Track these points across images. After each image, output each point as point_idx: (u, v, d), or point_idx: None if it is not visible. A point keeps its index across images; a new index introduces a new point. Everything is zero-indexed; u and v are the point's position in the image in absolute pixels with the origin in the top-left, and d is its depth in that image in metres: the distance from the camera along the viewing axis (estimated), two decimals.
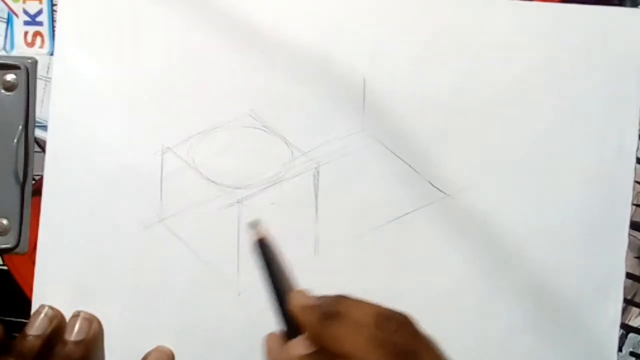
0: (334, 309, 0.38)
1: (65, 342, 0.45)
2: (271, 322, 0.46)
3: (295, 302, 0.40)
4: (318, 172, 0.47)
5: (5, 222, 0.48)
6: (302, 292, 0.41)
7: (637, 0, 0.47)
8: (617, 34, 0.47)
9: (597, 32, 0.47)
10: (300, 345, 0.39)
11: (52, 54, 0.49)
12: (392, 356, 0.36)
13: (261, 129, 0.47)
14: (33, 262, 0.47)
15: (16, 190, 0.48)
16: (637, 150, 0.47)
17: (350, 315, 0.38)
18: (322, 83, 0.47)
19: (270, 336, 0.41)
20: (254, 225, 0.42)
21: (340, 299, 0.39)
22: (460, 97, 0.47)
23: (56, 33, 0.48)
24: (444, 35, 0.47)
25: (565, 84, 0.47)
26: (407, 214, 0.47)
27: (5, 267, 0.48)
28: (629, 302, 0.47)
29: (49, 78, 0.48)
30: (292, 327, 0.40)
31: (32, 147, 0.48)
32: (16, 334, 0.45)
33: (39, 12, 0.49)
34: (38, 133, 0.48)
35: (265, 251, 0.41)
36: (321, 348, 0.38)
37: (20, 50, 0.49)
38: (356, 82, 0.47)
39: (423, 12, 0.47)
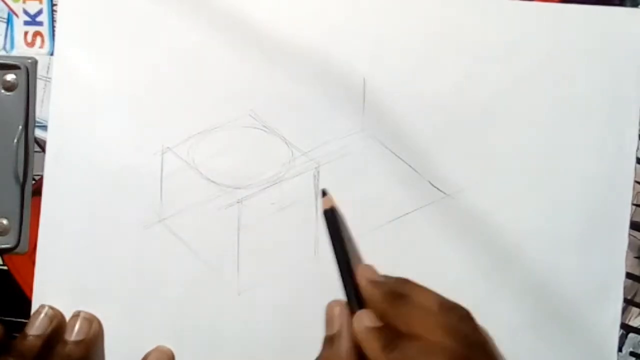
0: (400, 289, 0.40)
1: (65, 342, 0.45)
2: (270, 323, 0.46)
3: (362, 275, 0.42)
4: (318, 172, 0.47)
5: (5, 222, 0.48)
6: (369, 267, 0.43)
7: (637, 0, 0.47)
8: (618, 34, 0.47)
9: (597, 32, 0.47)
10: (368, 318, 0.40)
11: (52, 54, 0.49)
12: (459, 343, 0.38)
13: (261, 129, 0.47)
14: (33, 262, 0.47)
15: (16, 190, 0.48)
16: (637, 150, 0.47)
17: (415, 298, 0.40)
18: (323, 83, 0.47)
19: (335, 303, 0.42)
20: (324, 193, 0.44)
21: (405, 281, 0.41)
22: (460, 97, 0.47)
23: (56, 33, 0.48)
24: (444, 35, 0.47)
25: (565, 83, 0.47)
26: (407, 214, 0.47)
27: (5, 267, 0.48)
28: (629, 302, 0.47)
29: (49, 78, 0.48)
30: (357, 300, 0.41)
31: (32, 147, 0.48)
32: (16, 334, 0.45)
33: (39, 12, 0.49)
34: (38, 133, 0.48)
35: (333, 221, 0.43)
36: (387, 324, 0.39)
37: (20, 50, 0.49)
38: (356, 82, 0.47)
39: (423, 12, 0.47)
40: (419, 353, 0.37)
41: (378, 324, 0.39)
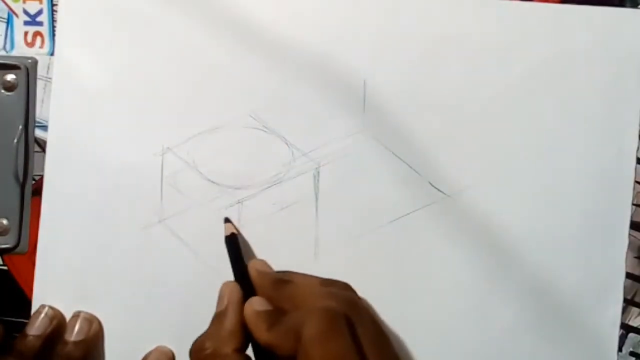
0: (285, 276, 0.43)
1: (65, 342, 0.45)
2: None
3: (253, 267, 0.44)
4: (318, 172, 0.47)
5: (5, 222, 0.48)
6: (261, 260, 0.46)
7: (637, 0, 0.47)
8: (618, 35, 0.47)
9: (597, 32, 0.47)
10: (258, 302, 0.41)
11: (52, 54, 0.49)
12: (340, 303, 0.39)
13: (261, 130, 0.47)
14: (33, 262, 0.47)
15: (16, 190, 0.48)
16: (637, 151, 0.47)
17: (298, 281, 0.42)
18: (323, 84, 0.47)
19: (227, 282, 0.44)
20: (227, 220, 0.47)
21: (289, 272, 0.44)
22: (460, 98, 0.47)
23: (56, 33, 0.48)
24: (444, 36, 0.47)
25: (565, 84, 0.47)
26: (407, 214, 0.47)
27: (5, 267, 0.48)
28: (629, 302, 0.47)
29: (49, 78, 0.48)
30: (248, 289, 0.43)
31: (32, 147, 0.48)
32: (16, 334, 0.45)
33: (39, 12, 0.49)
34: (38, 133, 0.48)
35: (235, 244, 0.45)
36: (275, 308, 0.41)
37: (20, 50, 0.49)
38: (357, 83, 0.47)
39: (424, 12, 0.47)
40: (299, 319, 0.38)
41: (266, 307, 0.41)
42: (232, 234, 0.46)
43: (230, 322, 0.41)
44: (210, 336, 0.41)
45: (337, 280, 0.43)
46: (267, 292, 0.42)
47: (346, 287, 0.43)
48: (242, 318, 0.41)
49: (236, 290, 0.43)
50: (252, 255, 0.47)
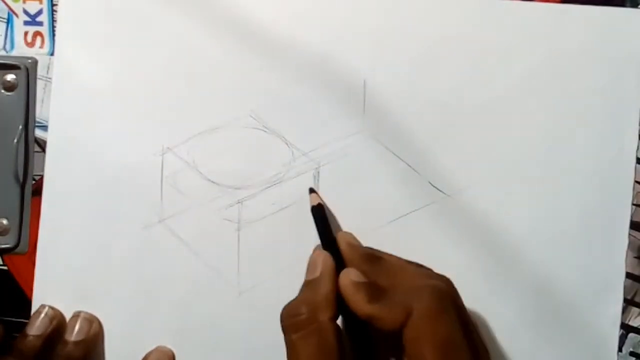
0: (375, 252, 0.43)
1: (65, 342, 0.45)
2: (272, 323, 0.46)
3: (345, 239, 0.44)
4: (318, 172, 0.47)
5: (5, 222, 0.48)
6: (349, 233, 0.45)
7: (637, 0, 0.47)
8: (618, 35, 0.47)
9: (597, 32, 0.47)
10: (354, 273, 0.41)
11: (52, 54, 0.49)
12: (440, 281, 0.40)
13: (262, 130, 0.47)
14: (33, 262, 0.47)
15: (16, 190, 0.48)
16: (637, 150, 0.47)
17: (389, 259, 0.43)
18: (323, 84, 0.47)
19: (320, 251, 0.43)
20: (312, 191, 0.47)
21: (375, 249, 0.44)
22: (460, 98, 0.47)
23: (56, 33, 0.48)
24: (444, 36, 0.47)
25: (565, 84, 0.47)
26: (407, 214, 0.47)
27: (5, 267, 0.48)
28: (629, 302, 0.47)
29: (49, 78, 0.48)
30: (337, 261, 0.42)
31: (32, 147, 0.48)
32: (16, 334, 0.45)
33: (39, 12, 0.49)
34: (38, 133, 0.48)
35: (321, 214, 0.45)
36: (370, 281, 0.40)
37: (20, 50, 0.49)
38: (357, 83, 0.47)
39: (424, 13, 0.47)
40: (404, 296, 0.38)
41: (363, 279, 0.40)
42: (319, 204, 0.45)
43: (325, 289, 0.40)
44: (305, 302, 0.40)
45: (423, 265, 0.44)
46: (358, 265, 0.42)
47: (432, 270, 0.43)
48: (336, 288, 0.40)
49: (329, 259, 0.42)
50: (337, 227, 0.46)
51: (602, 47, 0.47)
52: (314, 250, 0.44)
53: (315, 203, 0.46)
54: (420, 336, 0.37)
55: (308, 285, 0.41)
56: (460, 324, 0.38)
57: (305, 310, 0.39)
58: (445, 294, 0.39)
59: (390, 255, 0.44)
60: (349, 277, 0.40)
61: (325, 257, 0.42)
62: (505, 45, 0.47)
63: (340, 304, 0.40)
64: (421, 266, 0.44)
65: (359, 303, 0.39)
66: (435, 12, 0.47)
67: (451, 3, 0.47)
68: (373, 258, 0.42)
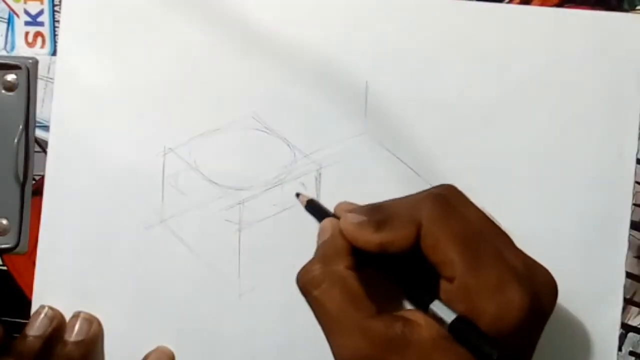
0: (375, 204, 0.40)
1: (65, 343, 0.45)
2: (272, 323, 0.46)
3: (339, 207, 0.43)
4: (320, 174, 0.47)
5: (5, 222, 0.48)
6: (344, 202, 0.43)
7: (635, 2, 0.48)
8: (617, 39, 0.47)
9: (597, 36, 0.48)
10: (352, 216, 0.39)
11: (52, 54, 0.49)
12: (443, 190, 0.39)
13: (263, 131, 0.48)
14: (33, 262, 0.47)
15: (16, 190, 0.48)
16: (637, 152, 0.47)
17: (390, 202, 0.40)
18: (325, 86, 0.48)
19: (328, 219, 0.41)
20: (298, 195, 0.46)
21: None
22: (461, 101, 0.48)
23: (59, 33, 0.48)
24: (445, 39, 0.48)
25: (565, 87, 0.48)
26: None
27: (5, 267, 0.48)
28: (628, 302, 0.47)
29: (49, 78, 0.48)
30: None
31: (32, 147, 0.48)
32: (16, 334, 0.45)
33: (40, 13, 0.49)
34: (39, 133, 0.48)
35: (316, 207, 0.44)
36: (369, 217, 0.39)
37: (21, 50, 0.49)
38: (359, 85, 0.48)
39: (425, 16, 0.48)
40: (408, 213, 0.37)
41: (362, 218, 0.39)
42: (310, 200, 0.45)
43: (337, 244, 0.39)
44: (317, 259, 0.39)
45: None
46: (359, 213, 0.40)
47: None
48: (348, 243, 0.39)
49: (337, 222, 0.40)
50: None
51: (601, 50, 0.47)
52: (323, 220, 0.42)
53: (305, 201, 0.45)
54: (438, 240, 0.36)
55: (319, 247, 0.40)
56: (473, 217, 0.38)
57: (320, 266, 0.38)
58: (446, 196, 0.38)
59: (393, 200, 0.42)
60: (348, 220, 0.39)
61: (333, 222, 0.40)
62: (506, 48, 0.48)
63: (356, 257, 0.39)
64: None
65: (367, 237, 0.38)
66: (436, 15, 0.48)
67: (452, 6, 0.48)
68: (372, 206, 0.40)
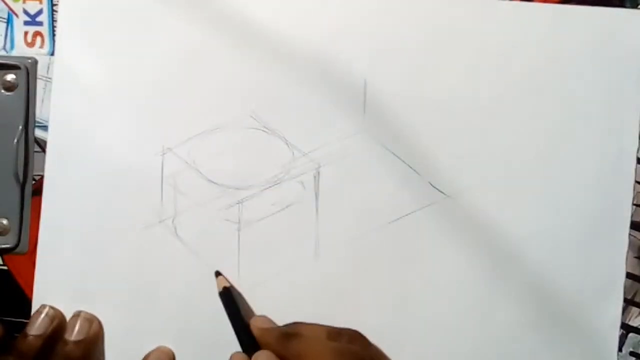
0: (290, 329, 0.43)
1: (65, 342, 0.45)
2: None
3: (255, 325, 0.44)
4: (319, 172, 0.47)
5: (5, 222, 0.48)
6: (262, 317, 0.45)
7: (637, 0, 0.47)
8: (618, 35, 0.47)
9: (597, 33, 0.47)
10: (264, 356, 0.42)
11: (52, 54, 0.49)
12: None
13: (262, 130, 0.47)
14: (33, 262, 0.47)
15: (16, 190, 0.48)
16: (637, 151, 0.47)
17: (304, 333, 0.43)
18: (323, 84, 0.47)
19: (237, 354, 0.44)
20: (218, 274, 0.46)
21: (294, 323, 0.44)
22: (460, 98, 0.47)
23: (57, 33, 0.48)
24: (444, 36, 0.47)
25: (565, 84, 0.47)
26: (407, 214, 0.47)
27: (5, 267, 0.48)
28: (629, 302, 0.47)
29: (49, 78, 0.48)
30: (253, 348, 0.43)
31: (32, 147, 0.48)
32: (16, 334, 0.45)
33: (39, 12, 0.49)
34: (38, 133, 0.48)
35: (229, 299, 0.45)
36: None
37: (20, 50, 0.49)
38: (357, 83, 0.47)
39: (423, 13, 0.48)
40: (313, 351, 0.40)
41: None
42: (225, 288, 0.46)
43: None
44: None
45: (345, 329, 0.43)
46: (272, 348, 0.43)
47: (354, 337, 0.43)
48: None
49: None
50: (249, 309, 0.46)
51: (602, 47, 0.47)
52: (232, 356, 0.44)
53: (221, 288, 0.46)
54: None
55: None
56: None
57: None
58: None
59: (312, 329, 0.44)
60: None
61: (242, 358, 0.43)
62: (505, 46, 0.47)
63: None
64: (339, 335, 0.43)
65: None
66: (435, 12, 0.47)
67: (451, 3, 0.48)
68: (286, 337, 0.43)
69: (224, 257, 0.47)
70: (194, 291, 0.47)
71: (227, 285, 0.46)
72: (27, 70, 0.48)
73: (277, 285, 0.47)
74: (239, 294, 0.46)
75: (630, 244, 0.46)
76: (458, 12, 0.47)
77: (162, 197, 0.47)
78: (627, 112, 0.47)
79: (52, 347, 0.45)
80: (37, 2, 0.49)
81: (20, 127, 0.48)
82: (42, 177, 0.48)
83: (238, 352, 0.44)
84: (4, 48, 0.49)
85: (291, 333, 0.43)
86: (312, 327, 0.44)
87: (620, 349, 0.46)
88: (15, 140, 0.48)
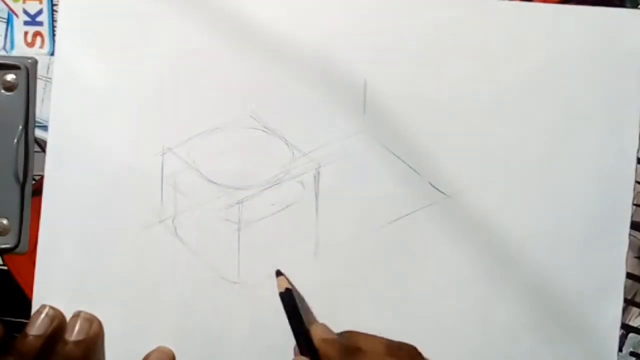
0: (351, 342, 0.43)
1: (65, 342, 0.45)
2: (271, 323, 0.46)
3: (316, 335, 0.44)
4: (319, 173, 0.47)
5: (5, 222, 0.48)
6: (322, 326, 0.45)
7: (637, 0, 0.47)
8: (618, 35, 0.47)
9: (597, 33, 0.47)
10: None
11: (52, 54, 0.49)
12: None
13: (262, 130, 0.47)
14: (33, 262, 0.47)
15: (16, 190, 0.48)
16: (637, 151, 0.47)
17: (364, 347, 0.43)
18: (324, 84, 0.47)
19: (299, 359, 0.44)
20: (279, 274, 0.46)
21: (352, 333, 0.44)
22: (460, 98, 0.47)
23: (57, 33, 0.48)
24: (444, 36, 0.47)
25: (565, 84, 0.47)
26: (407, 215, 0.47)
27: (5, 267, 0.48)
28: (629, 302, 0.47)
29: (49, 78, 0.48)
30: (312, 355, 0.43)
31: (32, 147, 0.48)
32: (16, 334, 0.45)
33: (39, 12, 0.49)
34: (38, 133, 0.48)
35: (291, 301, 0.45)
36: None
37: (20, 50, 0.49)
38: (357, 83, 0.47)
39: (424, 13, 0.47)
40: None
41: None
42: (287, 290, 0.45)
43: None
44: None
45: (404, 345, 0.44)
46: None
47: (412, 354, 0.44)
48: None
49: None
50: (308, 311, 0.46)
51: (602, 47, 0.47)
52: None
53: (283, 288, 0.45)
54: None
55: None
56: None
57: None
58: None
59: (372, 341, 0.44)
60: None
61: None
62: (505, 46, 0.47)
63: None
64: (399, 349, 0.44)
65: None
66: (435, 13, 0.47)
67: (451, 4, 0.47)
68: (348, 351, 0.43)
69: (224, 257, 0.47)
70: (194, 291, 0.47)
71: (289, 286, 0.46)
72: (27, 70, 0.48)
73: (276, 285, 0.47)
74: (300, 296, 0.46)
75: (630, 244, 0.46)
76: (458, 12, 0.47)
77: (162, 197, 0.47)
78: (627, 112, 0.47)
79: (52, 347, 0.45)
80: (37, 2, 0.49)
81: (20, 127, 0.48)
82: (42, 177, 0.48)
83: (301, 357, 0.44)
84: (4, 48, 0.49)
85: (351, 347, 0.43)
86: (371, 340, 0.44)
87: (620, 349, 0.46)
88: (15, 140, 0.48)
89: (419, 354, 0.44)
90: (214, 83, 0.48)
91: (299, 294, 0.46)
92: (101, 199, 0.47)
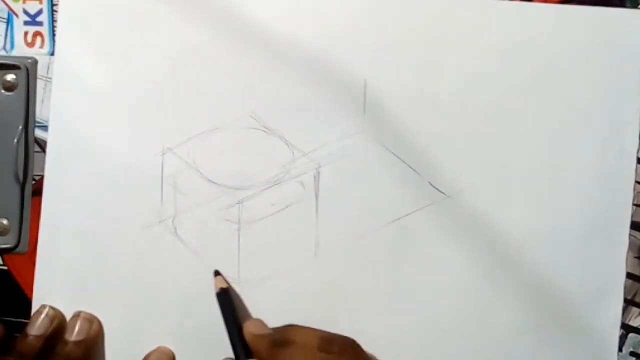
0: (283, 336, 0.43)
1: (65, 342, 0.45)
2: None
3: (247, 331, 0.44)
4: (319, 173, 0.47)
5: (5, 222, 0.48)
6: (255, 321, 0.45)
7: (637, 0, 0.47)
8: (618, 35, 0.47)
9: (597, 33, 0.47)
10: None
11: (52, 54, 0.49)
12: None
13: (262, 130, 0.47)
14: (33, 262, 0.47)
15: (16, 190, 0.48)
16: (637, 151, 0.47)
17: (297, 340, 0.43)
18: (323, 84, 0.47)
19: None
20: (217, 273, 0.46)
21: (288, 327, 0.44)
22: (461, 98, 0.47)
23: (56, 33, 0.48)
24: (444, 36, 0.47)
25: (565, 84, 0.47)
26: (407, 215, 0.47)
27: (5, 267, 0.48)
28: (629, 302, 0.47)
29: (49, 78, 0.48)
30: (245, 354, 0.43)
31: (32, 147, 0.48)
32: (16, 334, 0.45)
33: (39, 12, 0.49)
34: (38, 133, 0.48)
35: (226, 300, 0.45)
36: None
37: (20, 50, 0.49)
38: (357, 83, 0.47)
39: (424, 13, 0.47)
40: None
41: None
42: (222, 289, 0.45)
43: None
44: None
45: (338, 337, 0.43)
46: (262, 356, 0.43)
47: (346, 347, 0.43)
48: None
49: None
50: (245, 311, 0.46)
51: (602, 48, 0.47)
52: None
53: (218, 289, 0.45)
54: None
55: None
56: None
57: None
58: None
59: (305, 334, 0.43)
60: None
61: None
62: (505, 46, 0.47)
63: None
64: (331, 342, 0.43)
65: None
66: (435, 13, 0.47)
67: (452, 3, 0.47)
68: (278, 344, 0.43)
69: (224, 257, 0.47)
70: (194, 291, 0.47)
71: (225, 286, 0.46)
72: (27, 70, 0.48)
73: (276, 285, 0.47)
74: (237, 296, 0.46)
75: (630, 244, 0.46)
76: (458, 12, 0.47)
77: (162, 197, 0.47)
78: (627, 112, 0.47)
79: (52, 348, 0.45)
80: (37, 2, 0.49)
81: (20, 127, 0.48)
82: (42, 177, 0.48)
83: (228, 358, 0.44)
84: (4, 48, 0.49)
85: (283, 341, 0.43)
86: (305, 332, 0.43)
87: (620, 349, 0.46)
88: (15, 140, 0.48)
89: (357, 347, 0.43)
90: (214, 83, 0.48)
91: (237, 294, 0.46)
92: (101, 199, 0.47)
